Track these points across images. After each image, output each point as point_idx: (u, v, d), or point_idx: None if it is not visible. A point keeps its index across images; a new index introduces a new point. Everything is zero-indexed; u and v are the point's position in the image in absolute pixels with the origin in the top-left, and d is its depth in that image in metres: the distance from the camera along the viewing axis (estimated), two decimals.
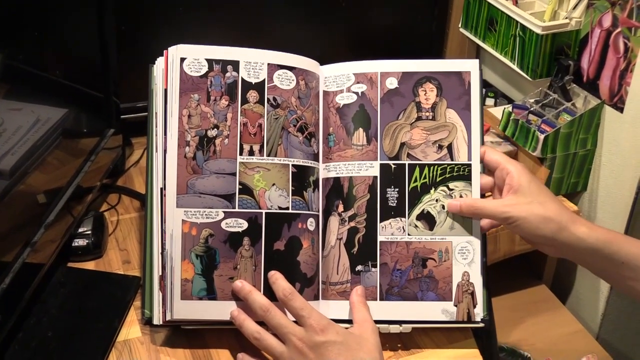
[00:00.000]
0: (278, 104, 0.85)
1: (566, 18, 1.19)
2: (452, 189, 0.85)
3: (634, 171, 1.14)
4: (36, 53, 0.85)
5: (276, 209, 0.83)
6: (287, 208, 0.83)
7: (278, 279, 0.80)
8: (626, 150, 1.16)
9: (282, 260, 0.82)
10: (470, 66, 0.88)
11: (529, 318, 1.23)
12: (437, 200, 0.85)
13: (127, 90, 1.05)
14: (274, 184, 0.83)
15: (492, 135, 1.26)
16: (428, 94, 0.87)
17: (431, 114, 0.87)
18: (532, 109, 1.22)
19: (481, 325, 0.85)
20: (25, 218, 0.82)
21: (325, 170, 0.87)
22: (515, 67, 1.26)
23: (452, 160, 0.86)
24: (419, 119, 0.87)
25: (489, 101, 1.39)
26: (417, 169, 0.85)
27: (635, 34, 1.08)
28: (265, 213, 0.83)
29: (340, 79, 0.88)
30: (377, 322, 0.80)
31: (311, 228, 0.84)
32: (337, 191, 0.85)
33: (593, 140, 1.20)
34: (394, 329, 0.83)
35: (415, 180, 0.85)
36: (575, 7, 1.18)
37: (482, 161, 0.85)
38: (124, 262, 0.96)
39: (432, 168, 0.85)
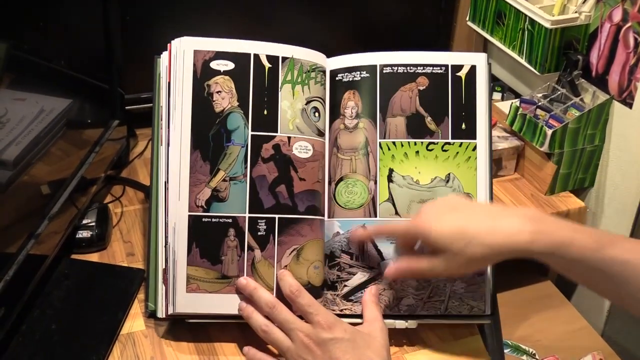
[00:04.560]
0: None
1: (576, 12, 1.18)
2: None
3: None
4: (41, 43, 0.84)
5: None
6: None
7: (285, 276, 0.79)
8: (634, 147, 1.15)
9: None
10: (477, 60, 0.87)
11: (534, 314, 1.22)
12: None
13: (132, 81, 1.05)
14: None
15: (499, 130, 1.25)
16: None
17: None
18: (540, 103, 1.21)
19: (487, 321, 0.84)
20: (29, 209, 0.81)
21: None
22: (523, 61, 1.25)
23: None
24: None
25: (496, 95, 1.38)
26: None
27: None
28: None
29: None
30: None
31: None
32: None
33: (601, 136, 1.19)
34: (400, 324, 0.83)
35: None
36: (585, 1, 1.17)
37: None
38: (128, 254, 0.95)
39: None
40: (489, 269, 0.84)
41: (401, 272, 0.78)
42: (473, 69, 0.87)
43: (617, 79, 1.14)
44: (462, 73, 0.87)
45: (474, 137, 0.86)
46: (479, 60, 0.87)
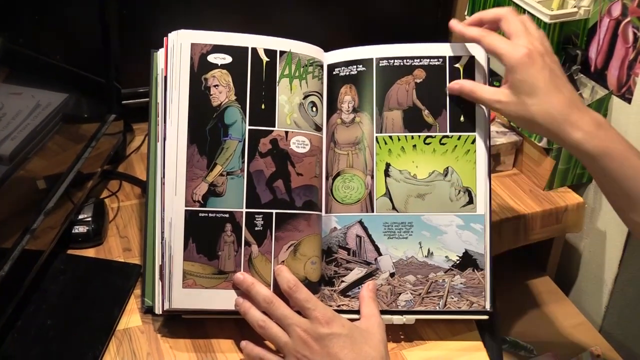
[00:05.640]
0: None
1: (575, 7, 1.18)
2: None
3: None
4: (37, 37, 0.83)
5: None
6: None
7: (283, 271, 0.79)
8: (633, 142, 1.14)
9: None
10: (475, 51, 0.86)
11: (532, 310, 1.22)
12: None
13: (129, 75, 1.04)
14: None
15: (498, 125, 1.25)
16: None
17: None
18: None
19: (485, 317, 0.84)
20: (24, 204, 0.81)
21: None
22: None
23: None
24: None
25: None
26: None
27: None
28: None
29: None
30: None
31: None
32: None
33: None
34: (397, 320, 0.83)
35: None
36: None
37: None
38: (124, 249, 0.95)
39: None
40: (487, 266, 0.83)
41: (465, 91, 0.83)
42: (471, 60, 0.86)
43: (616, 74, 1.14)
44: (461, 64, 0.86)
45: (473, 130, 0.85)
46: (477, 51, 0.86)
